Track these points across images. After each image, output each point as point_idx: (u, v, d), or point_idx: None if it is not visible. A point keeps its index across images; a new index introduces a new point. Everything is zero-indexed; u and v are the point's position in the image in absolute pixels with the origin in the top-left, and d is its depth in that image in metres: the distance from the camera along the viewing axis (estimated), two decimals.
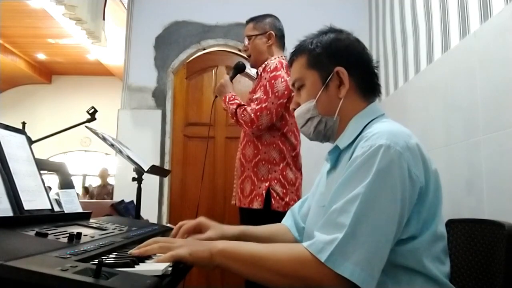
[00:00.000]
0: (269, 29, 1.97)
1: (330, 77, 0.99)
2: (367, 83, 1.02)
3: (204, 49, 3.45)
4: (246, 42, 2.01)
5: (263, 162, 1.84)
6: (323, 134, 1.04)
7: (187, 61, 3.47)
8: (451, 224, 1.21)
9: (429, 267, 0.85)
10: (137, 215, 1.85)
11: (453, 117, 1.79)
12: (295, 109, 1.07)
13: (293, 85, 1.07)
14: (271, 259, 0.81)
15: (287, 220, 1.23)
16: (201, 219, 1.11)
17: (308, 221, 1.10)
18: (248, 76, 3.33)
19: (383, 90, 2.84)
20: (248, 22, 2.05)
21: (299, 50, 1.05)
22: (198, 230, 1.10)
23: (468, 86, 1.66)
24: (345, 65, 0.99)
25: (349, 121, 1.00)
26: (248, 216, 1.86)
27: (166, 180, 3.26)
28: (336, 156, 1.01)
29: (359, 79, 1.00)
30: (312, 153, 2.32)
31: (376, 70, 1.04)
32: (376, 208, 0.79)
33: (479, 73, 1.58)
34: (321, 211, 0.95)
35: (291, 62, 1.08)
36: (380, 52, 2.96)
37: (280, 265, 0.80)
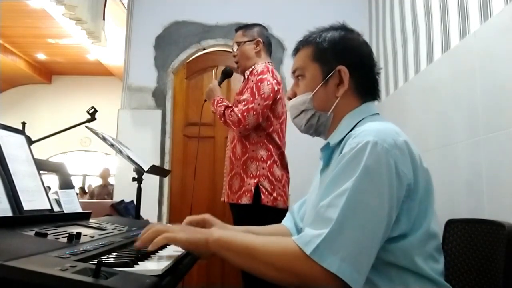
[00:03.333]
0: (257, 36, 2.10)
1: (331, 74, 0.99)
2: (366, 87, 1.02)
3: (204, 49, 3.45)
4: (235, 48, 2.12)
5: (252, 160, 1.94)
6: (315, 128, 1.04)
7: (187, 61, 3.47)
8: (451, 224, 1.21)
9: (421, 266, 0.85)
10: (137, 215, 1.85)
11: (453, 117, 1.78)
12: (290, 98, 1.07)
13: (293, 72, 1.07)
14: (261, 250, 0.82)
15: (287, 221, 1.23)
16: (207, 216, 1.13)
17: (304, 221, 1.11)
18: None
19: (383, 90, 2.85)
20: (237, 30, 2.16)
21: (307, 40, 1.05)
22: (202, 225, 1.12)
23: (468, 86, 1.66)
24: (348, 65, 0.99)
25: (342, 119, 1.00)
26: (239, 212, 1.95)
27: (166, 180, 3.25)
28: (328, 154, 1.01)
29: (358, 82, 1.00)
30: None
31: (377, 77, 1.04)
32: (363, 204, 0.79)
33: (479, 73, 1.58)
34: (314, 210, 0.96)
35: (296, 50, 1.08)
36: (380, 52, 2.96)
37: (270, 257, 0.81)
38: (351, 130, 0.95)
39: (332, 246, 0.76)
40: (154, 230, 0.83)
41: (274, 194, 1.88)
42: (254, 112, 1.88)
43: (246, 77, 2.07)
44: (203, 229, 0.93)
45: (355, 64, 1.00)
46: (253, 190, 1.88)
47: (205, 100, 2.18)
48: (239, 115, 1.89)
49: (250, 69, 2.04)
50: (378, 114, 1.02)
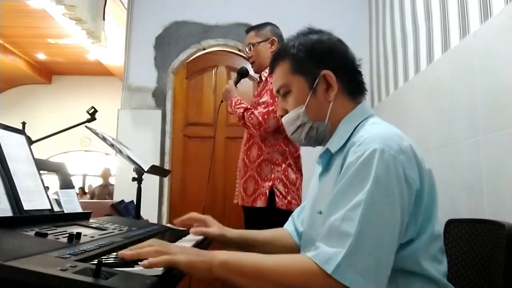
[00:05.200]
0: (271, 35, 2.06)
1: (317, 81, 0.97)
2: (353, 84, 1.00)
3: (204, 49, 3.45)
4: (248, 49, 2.07)
5: (266, 162, 1.91)
6: (315, 139, 1.02)
7: (187, 61, 3.47)
8: (451, 224, 1.21)
9: (427, 268, 0.85)
10: (137, 215, 1.84)
11: (453, 117, 1.78)
12: (282, 116, 1.05)
13: (277, 91, 1.04)
14: (276, 271, 0.78)
15: (288, 226, 1.23)
16: (208, 217, 1.16)
17: (304, 225, 1.10)
18: (250, 77, 3.33)
19: (383, 90, 2.86)
20: (248, 31, 2.11)
21: (281, 54, 1.02)
22: (203, 224, 1.16)
23: (468, 86, 1.66)
24: (331, 68, 0.97)
25: (339, 124, 0.98)
26: (252, 215, 1.92)
27: (166, 180, 3.26)
28: (327, 159, 0.99)
29: (345, 80, 0.98)
30: (313, 154, 2.34)
31: (360, 69, 1.02)
32: (379, 215, 0.78)
33: (479, 73, 1.58)
34: (317, 217, 0.94)
35: (273, 67, 1.04)
36: (380, 52, 2.96)
37: (285, 277, 0.77)
38: (351, 135, 0.93)
39: (352, 262, 0.74)
40: (156, 250, 0.75)
41: (288, 198, 1.86)
42: (275, 115, 1.83)
43: (263, 78, 2.02)
44: (205, 251, 0.84)
45: (336, 65, 0.97)
46: (267, 193, 1.85)
47: (222, 101, 2.13)
48: (260, 118, 1.85)
49: (268, 70, 1.98)
50: (373, 114, 1.00)
